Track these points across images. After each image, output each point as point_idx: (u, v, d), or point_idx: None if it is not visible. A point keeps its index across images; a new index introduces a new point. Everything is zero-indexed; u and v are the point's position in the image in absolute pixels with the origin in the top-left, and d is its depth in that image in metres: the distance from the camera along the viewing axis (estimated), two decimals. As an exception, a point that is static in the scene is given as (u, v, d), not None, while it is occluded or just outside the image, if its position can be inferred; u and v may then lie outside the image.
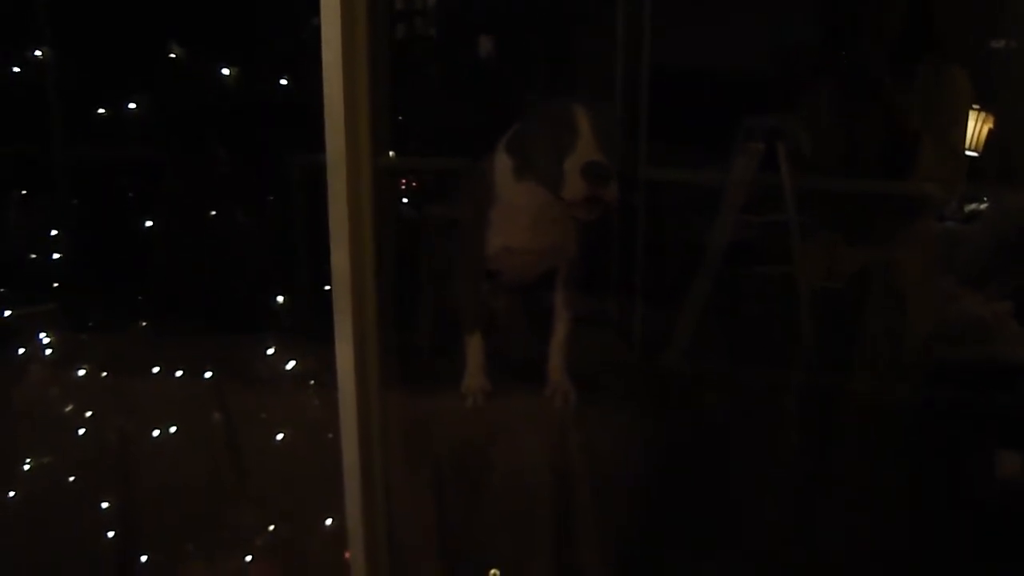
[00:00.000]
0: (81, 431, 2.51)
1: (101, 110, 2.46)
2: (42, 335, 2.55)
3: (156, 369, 2.55)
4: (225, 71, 2.36)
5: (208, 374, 2.52)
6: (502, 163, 2.29)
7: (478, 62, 3.55)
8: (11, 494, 2.44)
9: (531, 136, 2.18)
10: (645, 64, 3.65)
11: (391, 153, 2.51)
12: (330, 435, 2.06)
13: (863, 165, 3.09)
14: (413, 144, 2.84)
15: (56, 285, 2.60)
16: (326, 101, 1.65)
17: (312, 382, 2.46)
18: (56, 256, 2.59)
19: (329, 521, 2.38)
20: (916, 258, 2.85)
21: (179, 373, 2.53)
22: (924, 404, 2.83)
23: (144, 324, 2.58)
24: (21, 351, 2.58)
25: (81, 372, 2.51)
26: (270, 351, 2.52)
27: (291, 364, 2.51)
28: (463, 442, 2.34)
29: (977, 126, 3.45)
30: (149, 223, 2.49)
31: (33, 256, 2.62)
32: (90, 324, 2.62)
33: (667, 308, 3.51)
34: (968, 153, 3.19)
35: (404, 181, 2.85)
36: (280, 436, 2.48)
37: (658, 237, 3.79)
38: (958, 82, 2.89)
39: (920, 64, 2.89)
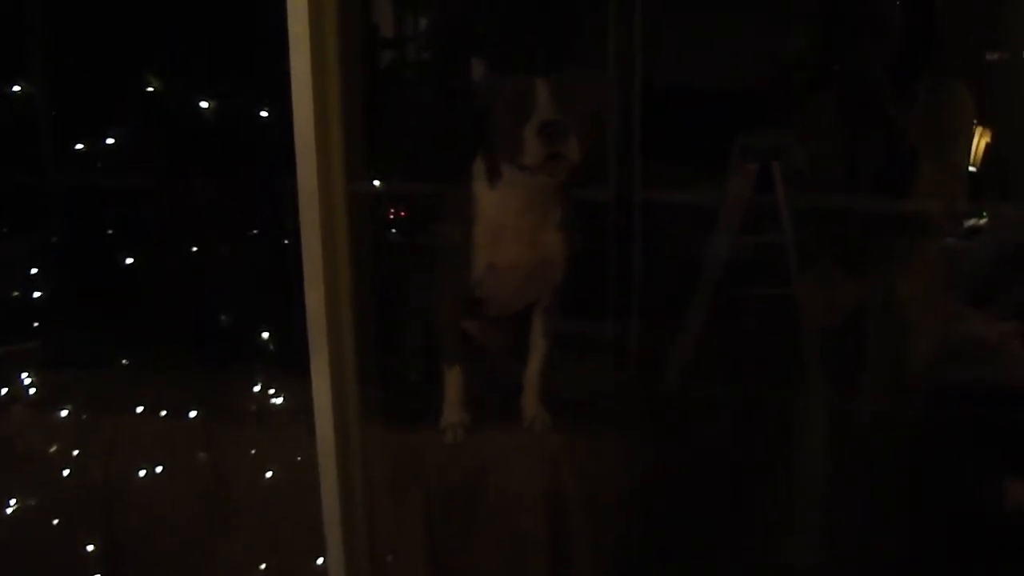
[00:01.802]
0: (65, 472, 2.39)
1: (80, 144, 2.36)
2: (23, 375, 2.44)
3: (140, 408, 2.43)
4: (204, 104, 2.26)
5: (193, 413, 2.41)
6: (478, 173, 2.21)
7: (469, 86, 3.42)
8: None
9: (493, 116, 2.13)
10: (637, 82, 3.56)
11: (376, 182, 2.42)
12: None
13: (862, 184, 2.97)
14: (401, 170, 2.73)
15: (36, 324, 2.49)
16: (296, 132, 1.54)
17: (301, 417, 2.33)
18: (37, 294, 2.48)
19: (320, 560, 2.25)
20: (918, 283, 2.73)
21: (163, 412, 2.42)
22: (927, 427, 2.71)
23: (127, 362, 2.47)
24: (3, 391, 2.47)
25: (64, 412, 2.40)
26: (256, 387, 2.41)
27: (279, 399, 2.40)
28: (443, 477, 2.23)
29: (976, 140, 3.33)
30: (130, 259, 2.38)
31: (15, 294, 2.50)
32: (72, 362, 2.51)
33: (663, 330, 3.41)
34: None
35: (392, 210, 2.73)
36: (269, 473, 2.36)
37: (653, 258, 3.68)
38: (959, 98, 2.75)
39: (920, 80, 2.76)
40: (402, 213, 2.73)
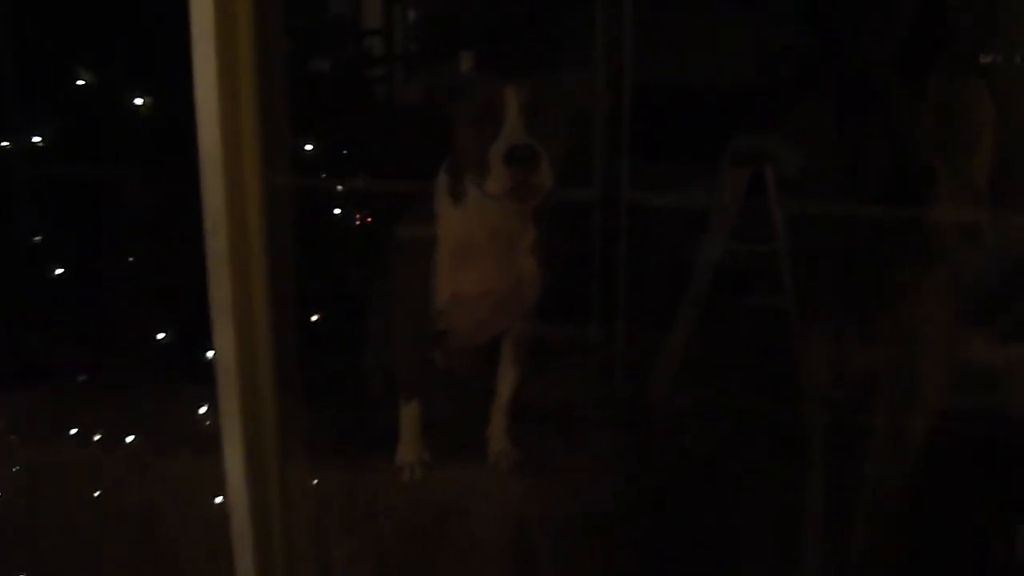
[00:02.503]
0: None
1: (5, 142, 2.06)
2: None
3: (73, 431, 2.15)
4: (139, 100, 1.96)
5: (130, 438, 2.12)
6: (442, 187, 1.90)
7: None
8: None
9: (457, 125, 1.81)
10: (626, 81, 3.29)
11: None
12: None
13: (864, 195, 2.67)
14: (365, 168, 2.43)
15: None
16: (200, 143, 1.24)
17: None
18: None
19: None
20: (931, 312, 2.42)
21: (97, 437, 2.13)
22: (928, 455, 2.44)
23: (58, 382, 2.18)
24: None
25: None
26: (202, 409, 2.12)
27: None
28: (397, 520, 1.95)
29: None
30: (60, 268, 2.09)
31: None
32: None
33: (650, 338, 3.16)
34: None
35: (359, 217, 2.43)
36: (218, 500, 2.06)
37: (640, 262, 3.43)
38: (979, 98, 2.38)
39: (932, 77, 2.43)
40: (368, 219, 2.41)
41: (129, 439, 2.15)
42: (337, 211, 2.40)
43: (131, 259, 2.04)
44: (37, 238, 2.09)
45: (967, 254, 2.31)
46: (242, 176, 1.24)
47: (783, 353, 2.99)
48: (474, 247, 1.86)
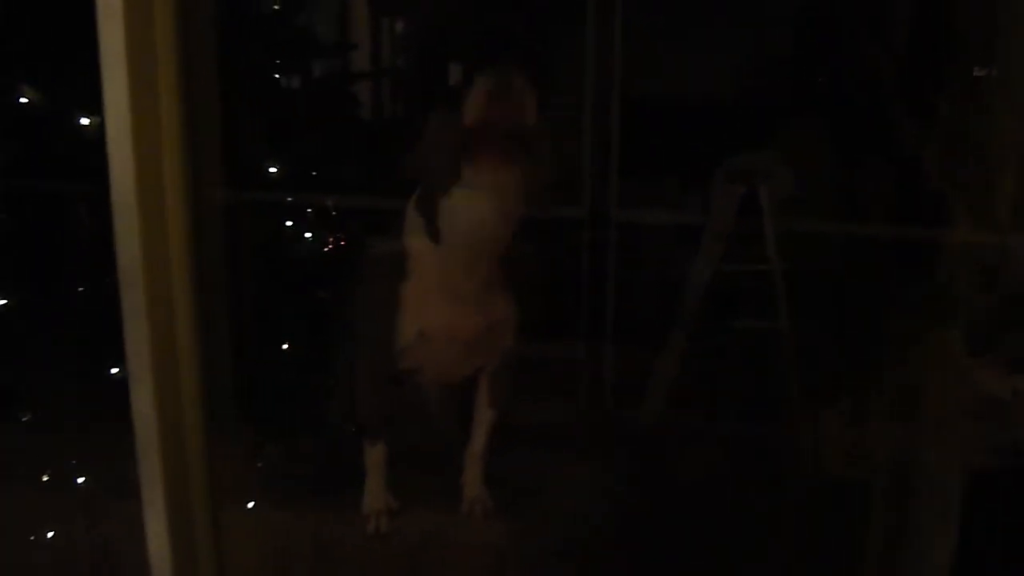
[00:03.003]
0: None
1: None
2: None
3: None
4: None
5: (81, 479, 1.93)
6: (411, 224, 1.69)
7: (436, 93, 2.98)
8: None
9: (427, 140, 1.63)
10: (616, 96, 3.13)
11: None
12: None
13: (868, 217, 2.48)
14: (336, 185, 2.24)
15: None
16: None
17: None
18: None
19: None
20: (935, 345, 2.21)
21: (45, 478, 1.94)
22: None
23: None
24: None
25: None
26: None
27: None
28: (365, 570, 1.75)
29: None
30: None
31: None
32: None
33: (640, 360, 3.00)
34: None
35: (331, 241, 2.24)
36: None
37: (630, 282, 3.26)
38: (995, 115, 2.18)
39: (941, 92, 2.22)
40: (341, 242, 2.22)
41: (80, 480, 1.94)
42: (308, 235, 2.20)
43: (80, 288, 1.84)
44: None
45: (980, 286, 2.11)
46: (162, 219, 1.04)
47: (775, 376, 2.85)
48: (443, 283, 1.66)
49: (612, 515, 2.12)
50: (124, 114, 1.00)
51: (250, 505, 1.62)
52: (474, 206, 1.55)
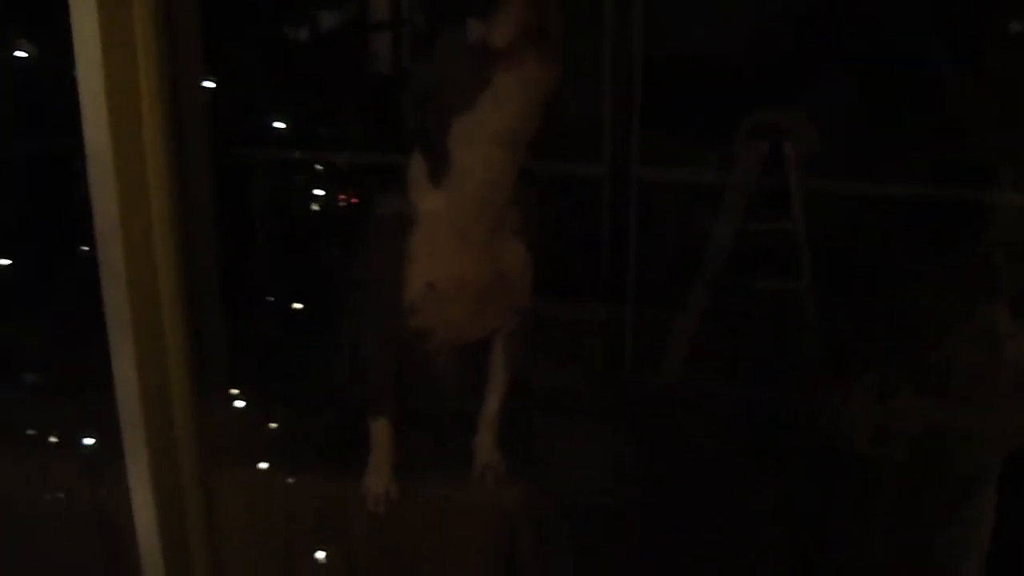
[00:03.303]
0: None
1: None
2: None
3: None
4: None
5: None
6: (416, 171, 1.60)
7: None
8: None
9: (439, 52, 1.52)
10: (637, 50, 3.01)
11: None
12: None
13: (902, 176, 2.34)
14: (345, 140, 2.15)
15: None
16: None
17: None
18: None
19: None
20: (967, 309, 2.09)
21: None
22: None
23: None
24: None
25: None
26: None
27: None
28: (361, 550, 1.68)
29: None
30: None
31: None
32: None
33: (660, 320, 2.91)
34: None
35: (343, 196, 2.16)
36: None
37: (651, 241, 3.17)
38: None
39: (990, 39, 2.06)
40: (352, 200, 2.13)
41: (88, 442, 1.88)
42: (320, 192, 2.11)
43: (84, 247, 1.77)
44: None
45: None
46: (142, 171, 0.96)
47: (798, 341, 2.76)
48: (452, 232, 1.57)
49: (626, 480, 2.05)
50: (96, 63, 0.92)
51: (245, 474, 1.55)
52: (504, 110, 1.45)
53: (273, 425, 1.63)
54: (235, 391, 1.43)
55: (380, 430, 1.69)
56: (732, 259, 2.83)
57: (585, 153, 3.12)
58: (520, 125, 1.49)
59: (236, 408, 1.42)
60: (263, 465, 1.53)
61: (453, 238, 1.59)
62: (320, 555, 1.56)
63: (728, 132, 2.83)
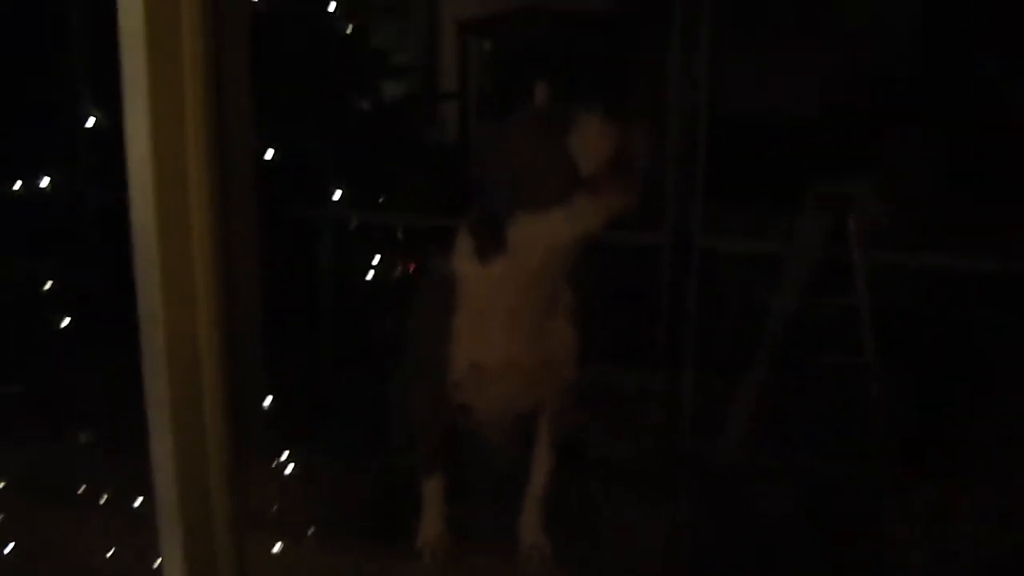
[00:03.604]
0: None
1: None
2: None
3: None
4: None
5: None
6: (464, 248, 1.57)
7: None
8: None
9: (503, 151, 1.46)
10: (702, 114, 2.98)
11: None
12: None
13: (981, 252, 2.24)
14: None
15: None
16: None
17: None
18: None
19: None
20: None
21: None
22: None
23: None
24: None
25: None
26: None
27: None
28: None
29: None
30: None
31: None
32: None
33: (720, 391, 2.85)
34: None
35: (393, 263, 2.15)
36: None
37: (712, 310, 3.11)
38: None
39: None
40: (410, 266, 2.13)
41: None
42: (377, 258, 2.12)
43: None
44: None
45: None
46: (187, 250, 0.96)
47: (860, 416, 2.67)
48: (499, 312, 1.54)
49: (685, 563, 1.97)
50: (145, 141, 0.93)
51: (285, 542, 1.53)
52: (576, 225, 1.43)
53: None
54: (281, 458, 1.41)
55: (432, 486, 1.69)
56: (793, 332, 2.75)
57: (647, 221, 3.08)
58: (587, 236, 1.47)
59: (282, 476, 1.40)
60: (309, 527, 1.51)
61: (499, 319, 1.56)
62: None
63: (793, 202, 2.77)
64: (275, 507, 1.50)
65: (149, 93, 0.93)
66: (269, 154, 1.77)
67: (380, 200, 2.13)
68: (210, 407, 1.04)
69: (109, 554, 1.91)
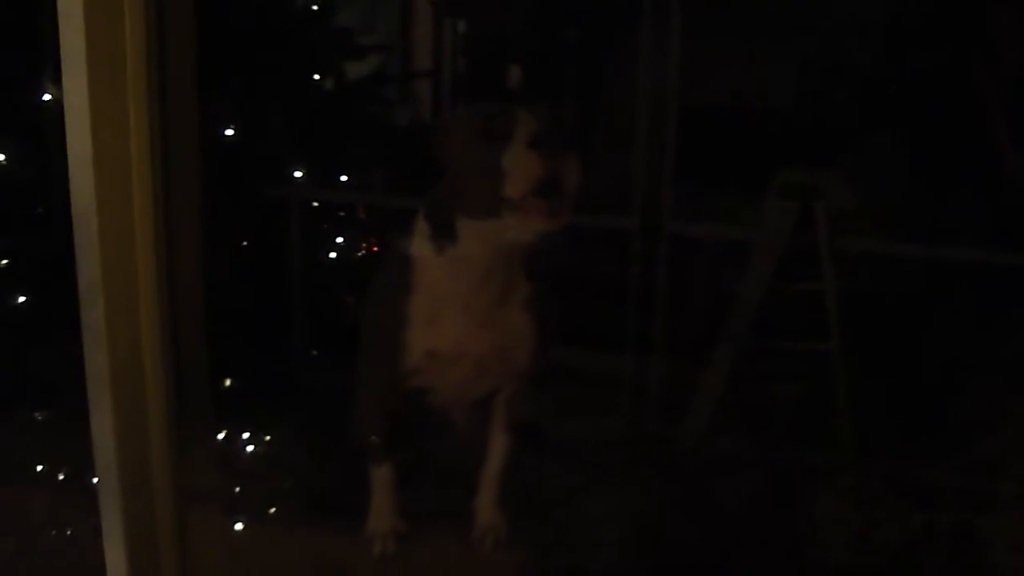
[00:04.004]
0: None
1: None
2: None
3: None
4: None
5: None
6: (420, 234, 1.57)
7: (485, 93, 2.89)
8: None
9: (451, 149, 1.47)
10: (672, 104, 2.97)
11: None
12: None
13: (952, 239, 2.24)
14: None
15: None
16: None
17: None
18: None
19: None
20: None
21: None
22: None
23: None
24: None
25: None
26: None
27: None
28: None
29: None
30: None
31: None
32: None
33: (686, 376, 2.84)
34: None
35: (364, 245, 2.14)
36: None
37: (679, 295, 3.11)
38: None
39: None
40: (374, 248, 2.12)
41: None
42: (339, 240, 2.10)
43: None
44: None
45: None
46: (128, 225, 0.94)
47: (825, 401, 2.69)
48: (453, 299, 1.54)
49: (640, 545, 1.99)
50: (84, 117, 0.91)
51: (240, 524, 1.52)
52: (511, 236, 1.43)
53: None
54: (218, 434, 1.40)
55: (381, 476, 1.68)
56: (760, 318, 2.76)
57: (616, 206, 3.08)
58: (521, 247, 1.47)
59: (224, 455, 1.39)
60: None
61: (454, 307, 1.56)
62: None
63: (760, 189, 2.78)
64: (226, 487, 1.49)
65: (87, 66, 0.91)
66: (228, 132, 1.75)
67: (342, 179, 2.11)
68: (151, 383, 1.03)
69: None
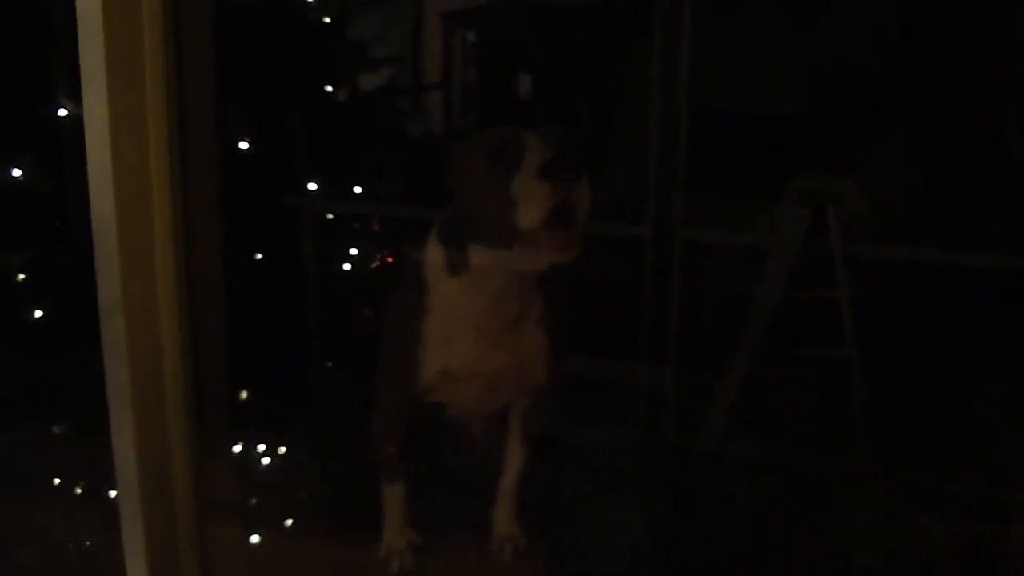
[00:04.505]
0: None
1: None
2: None
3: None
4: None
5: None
6: (434, 257, 1.56)
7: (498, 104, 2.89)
8: None
9: (462, 176, 1.46)
10: (684, 108, 2.97)
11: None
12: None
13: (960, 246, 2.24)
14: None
15: None
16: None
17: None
18: None
19: None
20: None
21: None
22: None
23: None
24: None
25: None
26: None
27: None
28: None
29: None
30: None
31: None
32: None
33: (701, 384, 2.82)
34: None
35: (378, 256, 2.15)
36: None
37: (694, 303, 3.10)
38: None
39: None
40: (388, 259, 2.13)
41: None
42: (354, 251, 2.11)
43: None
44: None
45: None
46: (148, 241, 0.95)
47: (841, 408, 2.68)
48: (467, 320, 1.53)
49: (658, 553, 1.98)
50: (104, 134, 0.91)
51: (257, 536, 1.53)
52: (523, 265, 1.43)
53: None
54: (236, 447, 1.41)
55: (393, 493, 1.68)
56: (775, 325, 2.75)
57: (629, 214, 3.08)
58: (533, 275, 1.46)
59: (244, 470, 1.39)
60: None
61: (468, 328, 1.56)
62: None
63: (775, 195, 2.77)
64: (245, 499, 1.49)
65: (107, 84, 0.92)
66: (244, 145, 1.76)
67: (356, 191, 2.12)
68: (171, 397, 1.03)
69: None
